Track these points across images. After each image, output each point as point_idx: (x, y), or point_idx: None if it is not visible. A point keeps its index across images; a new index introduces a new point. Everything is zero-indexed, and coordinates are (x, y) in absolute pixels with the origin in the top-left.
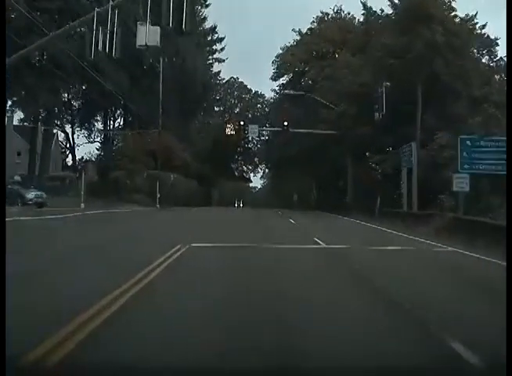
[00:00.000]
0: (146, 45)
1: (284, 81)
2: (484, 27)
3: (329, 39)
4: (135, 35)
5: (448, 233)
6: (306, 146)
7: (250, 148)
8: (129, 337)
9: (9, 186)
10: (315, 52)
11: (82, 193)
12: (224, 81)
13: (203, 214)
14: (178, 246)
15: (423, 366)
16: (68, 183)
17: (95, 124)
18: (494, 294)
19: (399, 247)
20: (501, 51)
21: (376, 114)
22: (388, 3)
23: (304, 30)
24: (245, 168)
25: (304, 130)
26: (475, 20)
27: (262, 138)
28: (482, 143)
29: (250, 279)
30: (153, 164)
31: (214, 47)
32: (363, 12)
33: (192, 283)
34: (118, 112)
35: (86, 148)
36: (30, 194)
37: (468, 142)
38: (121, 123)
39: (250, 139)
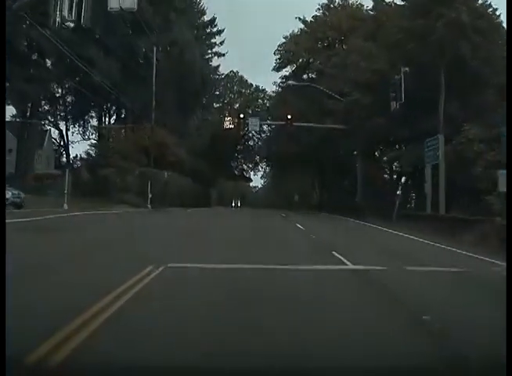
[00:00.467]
0: (120, 7)
1: (287, 73)
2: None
3: (336, 27)
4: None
5: (499, 243)
6: (309, 142)
7: (251, 145)
8: None
9: None
10: (320, 41)
11: (65, 192)
12: (223, 76)
13: (197, 216)
14: (149, 268)
15: (423, 366)
16: (56, 183)
17: (90, 120)
18: None
19: (455, 269)
20: None
21: (393, 104)
22: None
23: (307, 19)
24: (245, 167)
25: (308, 124)
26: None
27: (263, 135)
28: None
29: (255, 337)
30: (145, 162)
31: (213, 40)
32: None
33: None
34: (114, 108)
35: (82, 146)
36: (7, 194)
37: None
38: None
39: (250, 135)
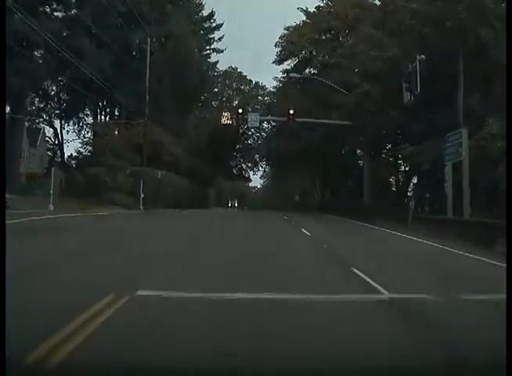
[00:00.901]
0: None
1: (289, 66)
2: None
3: (340, 17)
4: None
5: None
6: (311, 139)
7: (250, 144)
8: None
9: None
10: (324, 32)
11: (51, 192)
12: (221, 73)
13: (190, 220)
14: (107, 299)
15: (423, 366)
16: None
17: (86, 118)
18: None
19: None
20: None
21: (407, 95)
22: None
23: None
24: (244, 166)
25: (311, 120)
26: None
27: (263, 133)
28: None
29: None
30: (139, 160)
31: (211, 35)
32: None
33: None
34: (108, 104)
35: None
36: None
37: None
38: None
39: (249, 133)
